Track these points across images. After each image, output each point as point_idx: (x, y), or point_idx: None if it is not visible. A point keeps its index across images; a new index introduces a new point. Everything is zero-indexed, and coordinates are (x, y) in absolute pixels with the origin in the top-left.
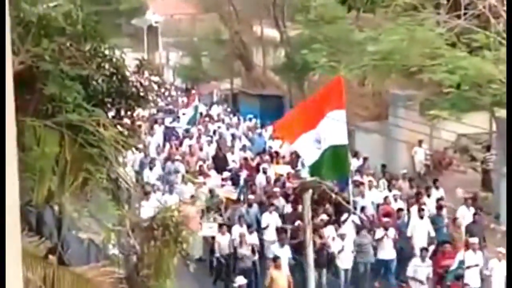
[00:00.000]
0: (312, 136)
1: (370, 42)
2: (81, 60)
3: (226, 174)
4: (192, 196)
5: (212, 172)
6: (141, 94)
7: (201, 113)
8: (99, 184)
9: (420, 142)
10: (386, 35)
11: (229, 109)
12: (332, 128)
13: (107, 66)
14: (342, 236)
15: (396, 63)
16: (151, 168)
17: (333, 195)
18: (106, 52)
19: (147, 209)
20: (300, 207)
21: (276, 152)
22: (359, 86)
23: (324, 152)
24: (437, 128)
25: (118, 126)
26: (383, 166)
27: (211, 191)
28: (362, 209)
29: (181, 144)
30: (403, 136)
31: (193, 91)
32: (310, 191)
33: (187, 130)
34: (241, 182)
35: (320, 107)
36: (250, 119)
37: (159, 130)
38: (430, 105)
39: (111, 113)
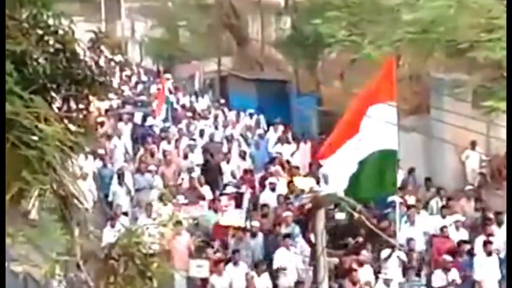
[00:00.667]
0: (354, 142)
1: (406, 9)
2: (15, 32)
3: (223, 190)
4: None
5: (205, 189)
6: (97, 78)
7: (173, 106)
8: (40, 198)
9: (473, 144)
10: (427, 0)
11: (222, 101)
12: (377, 127)
13: (50, 40)
14: (387, 283)
15: (440, 37)
16: (120, 183)
17: (364, 219)
18: (50, 21)
19: (107, 234)
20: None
21: (288, 161)
22: None
23: (364, 161)
24: (496, 125)
25: (66, 121)
26: (428, 179)
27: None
28: (408, 241)
29: (158, 148)
30: (450, 136)
31: (164, 76)
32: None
33: (162, 130)
34: (245, 202)
35: (364, 102)
36: (251, 115)
37: (125, 129)
38: (486, 93)
39: (55, 104)
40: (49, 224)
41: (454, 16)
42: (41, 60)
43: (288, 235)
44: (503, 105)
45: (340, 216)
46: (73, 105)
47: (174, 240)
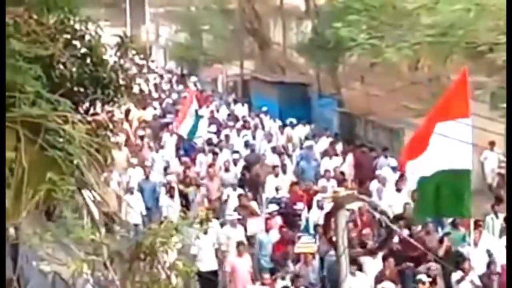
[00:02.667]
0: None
1: (425, 12)
2: (43, 37)
3: (272, 207)
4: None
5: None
6: (122, 82)
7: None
8: (67, 199)
9: (492, 145)
10: (446, 3)
11: (265, 109)
12: (446, 145)
13: (77, 44)
14: None
15: (460, 40)
16: (171, 196)
17: (387, 221)
18: (77, 26)
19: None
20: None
21: (342, 173)
22: (410, 71)
23: (430, 179)
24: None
25: (92, 124)
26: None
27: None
28: (489, 264)
29: (194, 161)
30: (469, 137)
31: (189, 86)
32: (346, 211)
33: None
34: (309, 223)
35: (434, 119)
36: (292, 125)
37: (170, 141)
38: (504, 95)
39: (82, 107)
40: (75, 223)
41: (473, 19)
42: (68, 65)
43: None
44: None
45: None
46: (99, 108)
47: (236, 262)
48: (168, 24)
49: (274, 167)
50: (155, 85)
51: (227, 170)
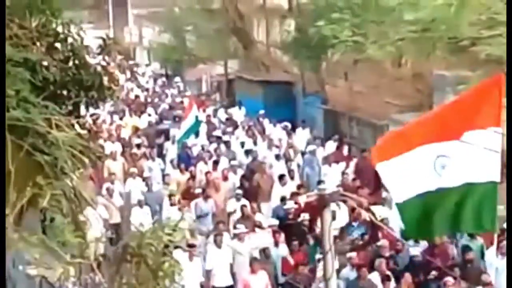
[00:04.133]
0: (432, 151)
1: (407, 9)
2: (26, 40)
3: (273, 221)
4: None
5: (260, 217)
6: (106, 83)
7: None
8: (53, 203)
9: None
10: None
11: (261, 112)
12: (474, 155)
13: (60, 47)
14: None
15: (442, 35)
16: (180, 208)
17: (372, 217)
18: (59, 29)
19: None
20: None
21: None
22: (393, 67)
23: (452, 190)
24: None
25: (77, 127)
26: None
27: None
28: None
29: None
30: (498, 146)
31: (187, 92)
32: (331, 208)
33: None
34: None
35: (460, 126)
36: (287, 129)
37: (171, 149)
38: None
39: (66, 110)
40: (62, 227)
41: (455, 14)
42: (51, 68)
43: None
44: (504, 101)
45: (415, 251)
46: (83, 110)
47: (250, 279)
48: (151, 25)
49: (281, 176)
50: (147, 89)
51: (225, 179)
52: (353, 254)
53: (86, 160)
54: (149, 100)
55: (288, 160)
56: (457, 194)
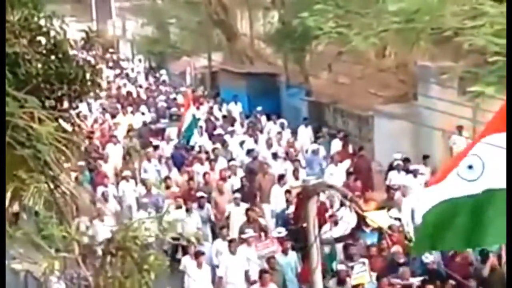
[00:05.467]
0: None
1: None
2: (8, 33)
3: (280, 230)
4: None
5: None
6: (89, 77)
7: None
8: (37, 196)
9: (460, 129)
10: None
11: (259, 109)
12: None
13: (43, 41)
14: None
15: (425, 26)
16: (188, 213)
17: (356, 208)
18: (42, 22)
19: (103, 229)
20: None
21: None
22: (377, 58)
23: (472, 200)
24: (482, 110)
25: (60, 120)
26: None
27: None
28: None
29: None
30: (438, 122)
31: (186, 90)
32: (315, 199)
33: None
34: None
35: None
36: (283, 126)
37: (166, 149)
38: (471, 79)
39: (49, 104)
40: (46, 220)
41: (438, 4)
42: (33, 61)
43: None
44: (488, 90)
45: (429, 258)
46: (66, 104)
47: None
48: (134, 18)
49: (281, 176)
50: (140, 86)
51: (223, 179)
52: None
53: (70, 154)
54: (143, 97)
55: (288, 159)
56: (483, 202)
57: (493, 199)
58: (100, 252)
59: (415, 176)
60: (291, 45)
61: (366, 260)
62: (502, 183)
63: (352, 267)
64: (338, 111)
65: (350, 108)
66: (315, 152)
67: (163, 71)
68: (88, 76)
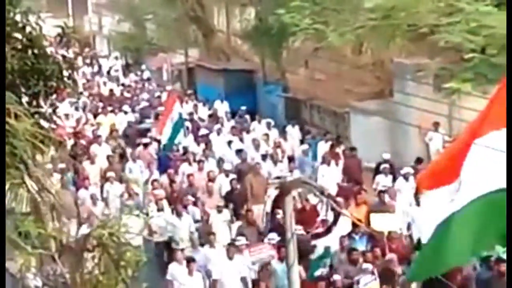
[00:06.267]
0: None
1: None
2: None
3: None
4: None
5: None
6: (65, 72)
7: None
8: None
9: (436, 126)
10: None
11: (243, 108)
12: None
13: (18, 36)
14: None
15: (402, 23)
16: (178, 216)
17: (333, 204)
18: (17, 18)
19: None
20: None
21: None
22: (353, 55)
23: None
24: (458, 107)
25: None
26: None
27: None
28: None
29: (176, 173)
30: (414, 119)
31: (170, 87)
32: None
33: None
34: (328, 251)
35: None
36: (269, 125)
37: (152, 150)
38: (447, 76)
39: (25, 99)
40: (22, 217)
41: (414, 1)
42: (9, 57)
43: None
44: (464, 87)
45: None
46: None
47: None
48: (110, 14)
49: (277, 178)
50: (123, 84)
51: (211, 181)
52: (369, 266)
53: (46, 150)
54: (126, 95)
55: (277, 160)
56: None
57: (475, 210)
58: (77, 249)
59: (406, 179)
60: (268, 41)
61: (375, 270)
62: (479, 191)
63: (358, 281)
64: (314, 108)
65: (326, 105)
66: (305, 153)
67: (144, 68)
68: (64, 72)
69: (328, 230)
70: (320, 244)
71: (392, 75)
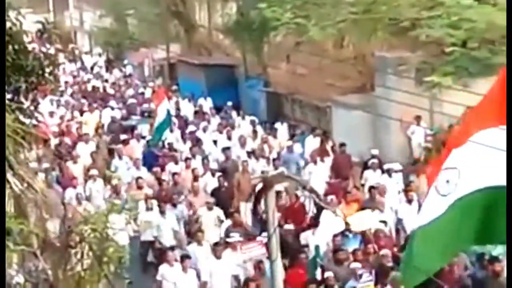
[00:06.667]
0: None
1: None
2: None
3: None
4: None
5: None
6: (46, 69)
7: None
8: None
9: (417, 119)
10: None
11: (230, 104)
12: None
13: None
14: None
15: (383, 17)
16: (162, 215)
17: (315, 198)
18: None
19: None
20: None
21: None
22: (335, 49)
23: (459, 202)
24: (439, 100)
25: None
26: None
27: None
28: None
29: (162, 170)
30: (395, 113)
31: (158, 82)
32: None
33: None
34: (318, 251)
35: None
36: (254, 123)
37: (137, 147)
38: (428, 70)
39: (6, 95)
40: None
41: None
42: None
43: None
44: (444, 80)
45: None
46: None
47: None
48: (92, 9)
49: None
50: (106, 80)
51: (195, 180)
52: (357, 265)
53: (28, 147)
54: (111, 92)
55: (263, 157)
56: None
57: (465, 207)
58: (59, 245)
59: (389, 175)
60: (250, 36)
61: (373, 271)
62: (474, 186)
63: (360, 275)
64: (296, 102)
65: (308, 99)
66: (289, 150)
67: (126, 62)
68: (46, 68)
69: (312, 224)
70: (311, 244)
71: (373, 69)
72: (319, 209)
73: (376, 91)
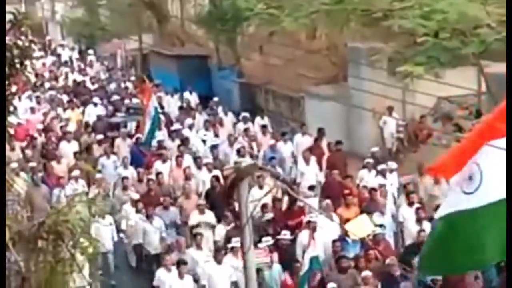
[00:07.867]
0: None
1: None
2: None
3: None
4: None
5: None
6: (17, 60)
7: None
8: None
9: (389, 110)
10: None
11: (216, 99)
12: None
13: None
14: None
15: (355, 8)
16: (150, 220)
17: (289, 190)
18: None
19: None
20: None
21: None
22: (307, 40)
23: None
24: (411, 91)
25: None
26: None
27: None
28: None
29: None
30: (368, 103)
31: (132, 77)
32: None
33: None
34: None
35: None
36: (243, 120)
37: (123, 146)
38: (400, 60)
39: None
40: None
41: None
42: None
43: None
44: (416, 70)
45: None
46: None
47: None
48: (63, 0)
49: (259, 176)
50: (86, 74)
51: (187, 179)
52: (368, 273)
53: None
54: (92, 87)
55: (252, 156)
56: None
57: (491, 214)
58: (31, 237)
59: (383, 176)
60: (222, 26)
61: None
62: (499, 194)
63: None
64: (269, 93)
65: (281, 90)
66: (272, 148)
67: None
68: (16, 60)
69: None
70: (306, 257)
71: (346, 59)
72: (292, 201)
73: (349, 82)
